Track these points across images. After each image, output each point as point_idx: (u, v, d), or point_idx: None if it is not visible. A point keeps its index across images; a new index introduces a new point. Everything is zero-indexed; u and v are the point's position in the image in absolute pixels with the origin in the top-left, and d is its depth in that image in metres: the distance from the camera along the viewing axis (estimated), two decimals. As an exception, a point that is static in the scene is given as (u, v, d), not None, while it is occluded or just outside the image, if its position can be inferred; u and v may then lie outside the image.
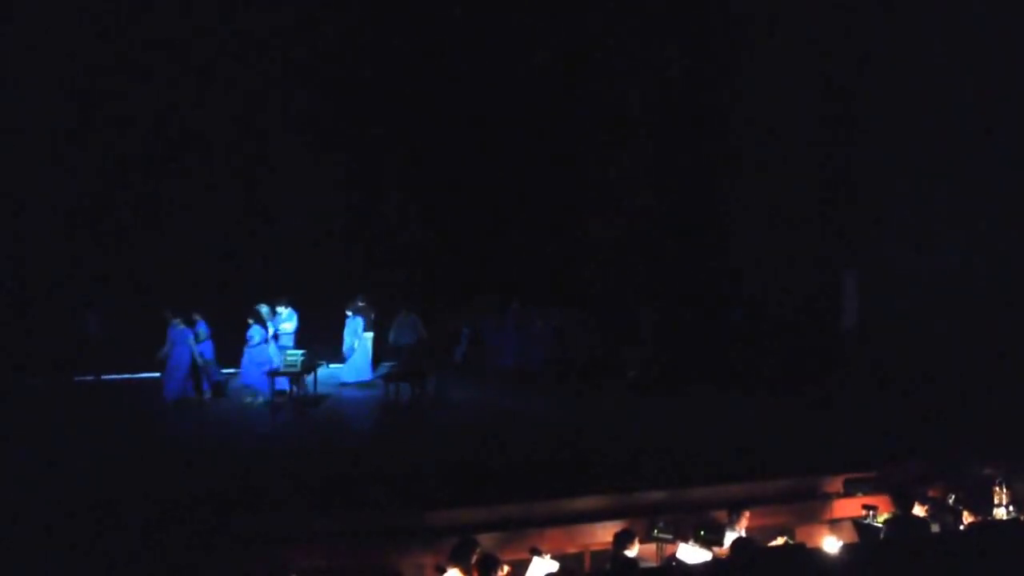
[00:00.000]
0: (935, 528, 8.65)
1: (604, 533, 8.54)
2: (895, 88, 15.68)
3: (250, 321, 13.65)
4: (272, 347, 13.88)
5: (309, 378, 13.61)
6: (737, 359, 15.24)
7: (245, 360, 13.68)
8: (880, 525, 8.80)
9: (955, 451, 10.57)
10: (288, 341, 14.32)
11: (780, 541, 8.68)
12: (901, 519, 8.41)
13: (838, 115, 16.40)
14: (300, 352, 13.61)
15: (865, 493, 9.55)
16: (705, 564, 7.73)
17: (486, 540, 8.09)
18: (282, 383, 13.60)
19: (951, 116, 14.75)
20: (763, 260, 16.38)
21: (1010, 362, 13.05)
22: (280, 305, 14.33)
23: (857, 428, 11.74)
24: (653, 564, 8.32)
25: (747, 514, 8.63)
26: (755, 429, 11.78)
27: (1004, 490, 9.14)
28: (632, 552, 7.78)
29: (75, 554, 7.63)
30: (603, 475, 9.72)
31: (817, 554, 7.42)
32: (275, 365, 13.57)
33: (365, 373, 15.13)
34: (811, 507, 9.68)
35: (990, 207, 14.37)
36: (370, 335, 15.44)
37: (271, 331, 13.94)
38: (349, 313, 15.01)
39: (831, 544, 8.17)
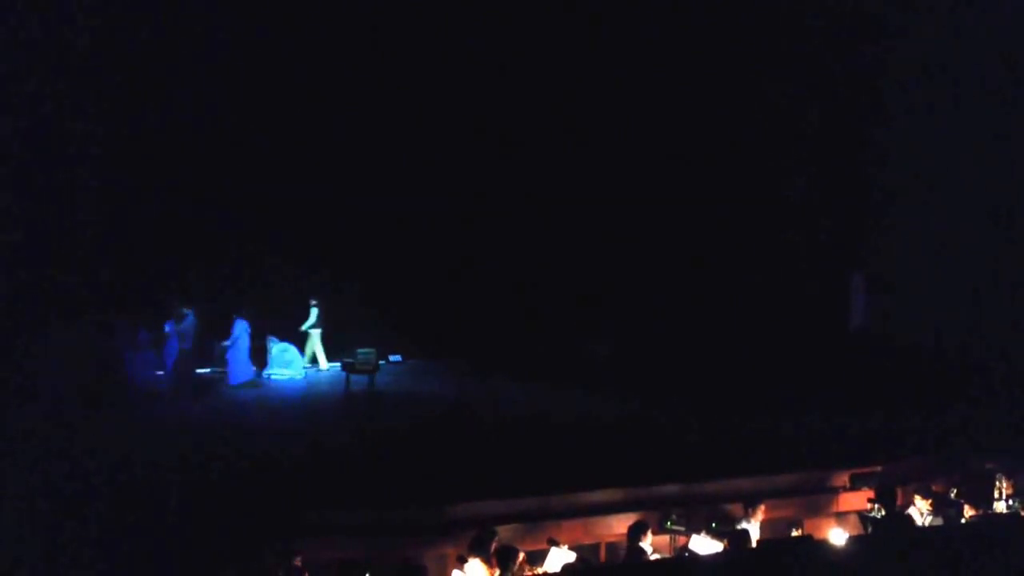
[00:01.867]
0: (937, 521, 8.96)
1: (619, 525, 8.85)
2: (903, 89, 15.88)
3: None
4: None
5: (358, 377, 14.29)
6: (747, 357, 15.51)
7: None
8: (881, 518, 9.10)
9: (957, 446, 10.89)
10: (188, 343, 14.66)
11: (796, 533, 9.01)
12: (886, 517, 8.72)
13: (843, 117, 16.63)
14: (371, 350, 14.29)
15: (870, 487, 9.81)
16: (715, 555, 8.04)
17: (506, 532, 8.41)
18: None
19: (958, 118, 14.94)
20: (770, 260, 16.63)
21: (1011, 359, 13.32)
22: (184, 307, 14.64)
23: (863, 424, 12.02)
24: (666, 555, 8.64)
25: (763, 507, 8.95)
26: (764, 425, 12.07)
27: (1005, 484, 9.45)
28: (646, 543, 8.10)
29: (93, 546, 7.90)
30: (619, 468, 10.07)
31: (823, 545, 7.70)
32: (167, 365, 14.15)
33: (247, 374, 15.33)
34: (818, 500, 9.99)
35: (994, 208, 14.59)
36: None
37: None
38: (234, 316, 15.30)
39: (837, 536, 8.47)
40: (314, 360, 16.41)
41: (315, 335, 16.27)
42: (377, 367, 14.46)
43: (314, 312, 16.10)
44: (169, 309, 14.34)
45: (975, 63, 14.64)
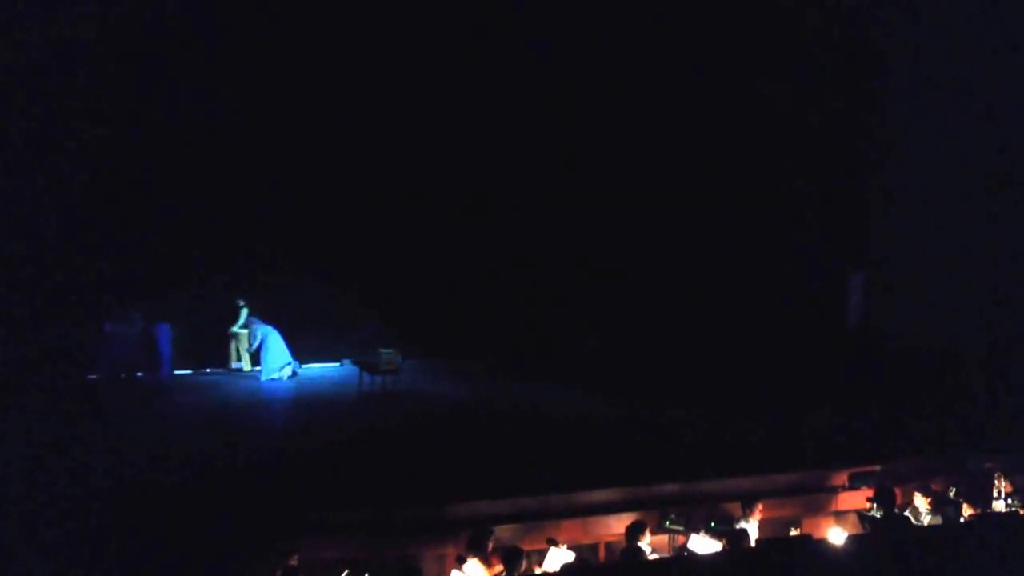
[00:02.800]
0: (936, 520, 8.98)
1: (618, 525, 8.82)
2: (902, 85, 15.89)
3: None
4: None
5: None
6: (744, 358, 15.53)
7: None
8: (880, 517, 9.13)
9: (956, 446, 10.91)
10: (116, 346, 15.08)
11: (795, 533, 9.02)
12: (884, 517, 8.74)
13: (843, 112, 16.62)
14: (391, 350, 14.43)
15: (869, 486, 9.83)
16: (714, 554, 8.05)
17: (505, 531, 8.43)
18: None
19: (958, 114, 14.95)
20: (768, 259, 16.64)
21: (1010, 359, 13.34)
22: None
23: (862, 423, 12.03)
24: (665, 554, 8.65)
25: (760, 506, 8.96)
26: (763, 424, 12.09)
27: (1003, 483, 9.47)
28: (644, 543, 8.11)
29: (89, 549, 7.89)
30: (617, 468, 10.08)
31: (822, 545, 7.71)
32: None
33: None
34: (817, 500, 9.99)
35: (995, 206, 14.59)
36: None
37: None
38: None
39: (836, 535, 8.48)
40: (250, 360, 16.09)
41: (243, 336, 15.95)
42: (398, 367, 14.46)
43: (244, 312, 15.79)
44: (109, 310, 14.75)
45: (975, 61, 14.65)
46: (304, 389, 14.99)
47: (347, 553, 8.28)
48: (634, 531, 8.10)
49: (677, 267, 16.95)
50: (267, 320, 15.66)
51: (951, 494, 9.53)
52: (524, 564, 7.53)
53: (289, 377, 15.60)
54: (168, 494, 9.13)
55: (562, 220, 17.05)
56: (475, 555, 7.73)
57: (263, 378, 15.40)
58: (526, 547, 8.40)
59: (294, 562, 7.61)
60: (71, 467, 9.85)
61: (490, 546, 7.87)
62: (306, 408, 13.77)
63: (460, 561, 7.91)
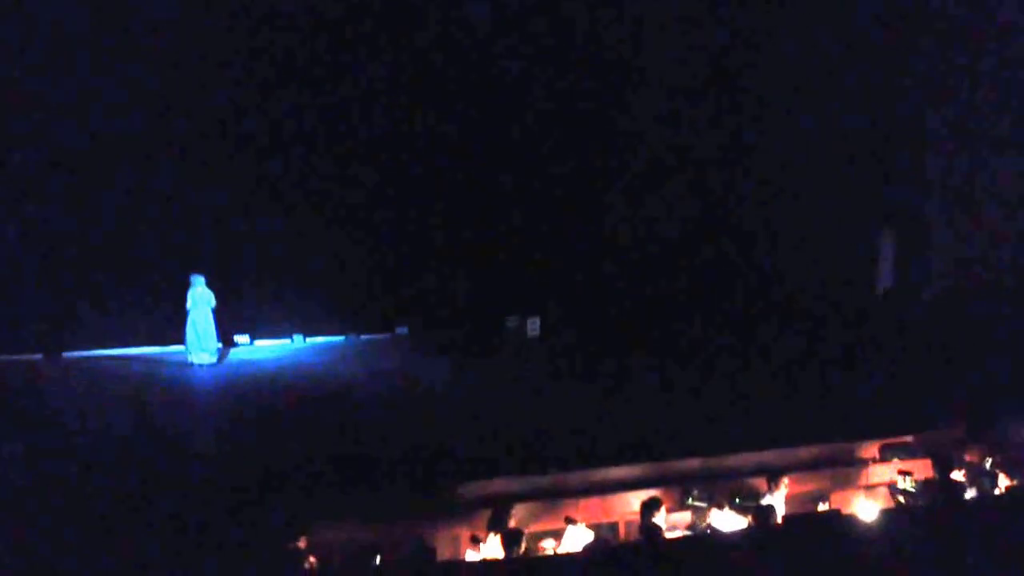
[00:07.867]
0: (972, 492, 8.61)
1: (639, 502, 8.57)
2: (932, 43, 15.46)
3: None
4: None
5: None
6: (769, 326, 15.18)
7: None
8: (913, 490, 8.78)
9: (993, 415, 10.49)
10: None
11: (823, 507, 8.68)
12: (937, 483, 8.39)
13: (874, 70, 16.14)
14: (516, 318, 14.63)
15: (901, 458, 9.54)
16: (740, 531, 7.76)
17: (522, 511, 8.18)
18: None
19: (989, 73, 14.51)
20: (794, 221, 16.17)
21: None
22: None
23: (893, 393, 11.63)
24: (686, 532, 8.37)
25: (786, 480, 8.64)
26: (790, 395, 11.73)
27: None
28: (659, 519, 7.80)
29: (98, 536, 7.79)
30: (637, 443, 9.77)
31: (851, 520, 7.42)
32: None
33: None
34: (846, 473, 9.64)
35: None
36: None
37: None
38: None
39: (866, 509, 8.15)
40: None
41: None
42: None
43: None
44: None
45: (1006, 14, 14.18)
46: (303, 364, 14.57)
47: (357, 535, 8.08)
48: (649, 508, 7.78)
49: (701, 231, 16.51)
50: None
51: (987, 465, 9.14)
52: (524, 546, 7.27)
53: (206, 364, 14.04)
54: (176, 477, 9.00)
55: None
56: (496, 532, 7.52)
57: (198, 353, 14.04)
58: (543, 526, 8.25)
59: (303, 544, 7.43)
60: (74, 449, 9.78)
61: (512, 523, 7.65)
62: (316, 386, 13.46)
63: (474, 541, 7.72)
